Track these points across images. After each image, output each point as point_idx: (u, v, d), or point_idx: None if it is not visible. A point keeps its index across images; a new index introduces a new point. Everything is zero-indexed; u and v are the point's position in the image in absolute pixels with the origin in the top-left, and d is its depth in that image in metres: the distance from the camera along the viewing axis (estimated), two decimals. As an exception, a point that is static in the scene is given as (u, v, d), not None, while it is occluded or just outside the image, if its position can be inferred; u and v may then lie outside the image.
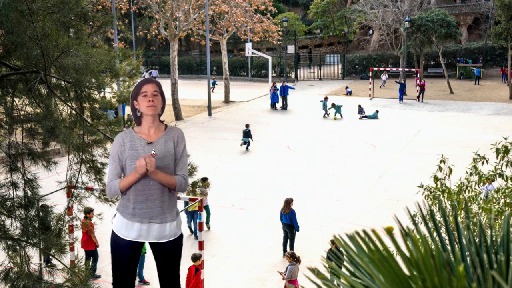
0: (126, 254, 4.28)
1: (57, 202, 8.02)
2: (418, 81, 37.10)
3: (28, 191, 5.96)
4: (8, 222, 5.79)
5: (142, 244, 4.31)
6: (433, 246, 1.60)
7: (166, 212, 4.20)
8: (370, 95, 37.46)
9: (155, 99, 4.10)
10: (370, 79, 37.70)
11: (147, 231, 4.17)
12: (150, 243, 4.30)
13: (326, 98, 31.34)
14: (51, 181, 7.07)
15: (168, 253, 4.32)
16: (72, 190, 6.85)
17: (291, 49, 47.68)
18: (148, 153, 4.08)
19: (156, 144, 4.15)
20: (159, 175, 4.03)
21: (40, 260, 6.75)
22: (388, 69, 42.26)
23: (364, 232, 1.62)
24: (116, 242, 4.25)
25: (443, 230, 1.99)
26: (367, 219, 14.93)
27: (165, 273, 4.43)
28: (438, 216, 5.57)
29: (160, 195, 4.14)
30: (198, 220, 11.37)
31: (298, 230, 13.00)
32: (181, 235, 4.36)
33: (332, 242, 11.13)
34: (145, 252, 11.86)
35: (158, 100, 4.12)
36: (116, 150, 4.13)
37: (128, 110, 27.35)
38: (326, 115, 30.82)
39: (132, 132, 4.19)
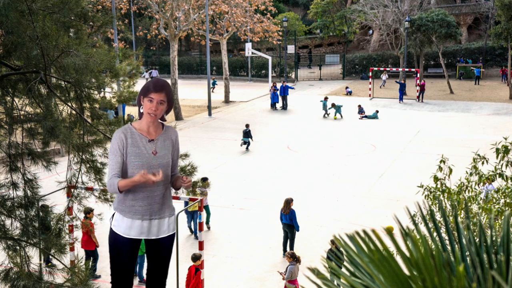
0: (127, 253, 4.29)
1: (57, 202, 8.02)
2: (418, 81, 37.09)
3: (28, 191, 5.96)
4: (8, 222, 5.79)
5: (140, 241, 4.33)
6: (433, 246, 1.60)
7: (165, 208, 4.27)
8: (370, 95, 37.46)
9: (159, 107, 4.12)
10: (370, 79, 37.70)
11: (147, 227, 4.21)
12: (145, 239, 4.32)
13: (326, 98, 31.35)
14: (51, 181, 7.07)
15: (162, 249, 4.36)
16: (72, 190, 6.85)
17: (291, 49, 47.67)
18: (148, 150, 4.15)
19: (157, 142, 4.21)
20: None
21: (40, 260, 6.76)
22: (388, 69, 42.26)
23: (364, 232, 1.62)
24: (116, 241, 4.25)
25: (443, 230, 1.99)
26: (367, 219, 14.93)
27: (157, 269, 4.46)
28: (438, 216, 5.57)
29: (160, 192, 4.20)
30: (198, 220, 11.37)
31: (298, 230, 13.00)
32: (174, 231, 4.45)
33: (332, 242, 11.12)
34: (145, 252, 11.86)
35: (161, 109, 4.15)
36: (117, 144, 4.13)
37: (128, 110, 27.35)
38: (326, 115, 30.82)
39: (132, 128, 4.21)
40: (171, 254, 4.48)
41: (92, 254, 11.92)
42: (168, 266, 4.51)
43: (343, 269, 1.68)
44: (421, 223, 2.04)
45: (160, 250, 4.35)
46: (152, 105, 4.09)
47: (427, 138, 24.95)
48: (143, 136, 4.18)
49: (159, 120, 4.29)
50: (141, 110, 4.20)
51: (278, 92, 33.27)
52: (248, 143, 23.12)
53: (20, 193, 5.97)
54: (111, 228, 4.26)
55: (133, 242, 4.25)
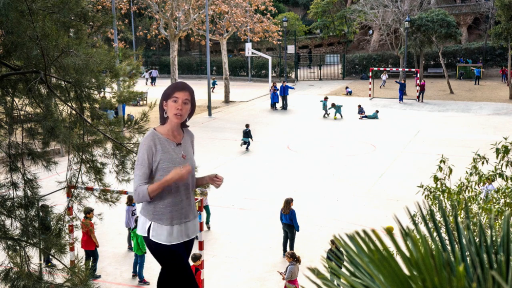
0: (178, 256, 4.32)
1: (57, 202, 8.01)
2: (418, 81, 37.10)
3: (28, 191, 5.96)
4: (8, 222, 5.79)
5: (191, 241, 4.47)
6: (433, 246, 1.60)
7: (193, 209, 4.37)
8: (370, 95, 37.46)
9: (184, 107, 4.13)
10: (370, 79, 37.70)
11: (184, 230, 4.27)
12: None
13: (326, 98, 31.35)
14: (51, 181, 7.07)
15: (189, 249, 4.51)
16: (72, 190, 6.85)
17: (291, 49, 47.68)
18: (178, 154, 4.19)
19: (183, 146, 4.27)
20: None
21: (40, 260, 6.75)
22: (388, 69, 42.26)
23: (364, 232, 1.62)
24: (163, 250, 4.23)
25: (443, 230, 1.99)
26: (367, 219, 14.93)
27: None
28: (438, 216, 5.57)
29: (189, 194, 4.29)
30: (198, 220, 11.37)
31: (298, 230, 13.00)
32: None
33: (332, 242, 11.12)
34: (145, 252, 11.87)
35: (186, 109, 4.17)
36: (146, 155, 4.11)
37: (128, 110, 27.34)
38: (326, 115, 30.82)
39: (158, 134, 4.19)
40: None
41: (92, 254, 11.92)
42: None
43: (343, 269, 1.68)
44: (421, 223, 2.04)
45: (188, 250, 4.48)
46: (178, 104, 4.09)
47: (427, 138, 24.95)
48: (170, 140, 4.19)
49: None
50: (165, 115, 4.19)
51: (278, 92, 33.27)
52: (248, 143, 23.12)
53: (20, 193, 5.97)
54: (151, 240, 4.20)
55: (180, 244, 4.30)
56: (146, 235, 4.21)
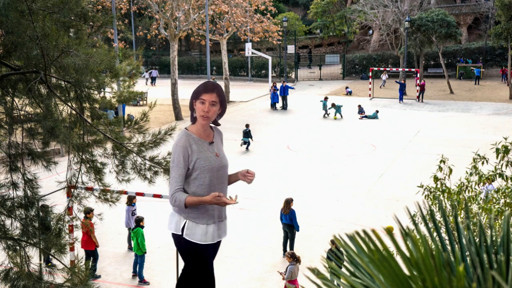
0: (206, 258, 4.31)
1: (57, 202, 8.01)
2: (418, 81, 37.10)
3: (28, 191, 5.96)
4: (8, 222, 5.79)
5: (217, 243, 4.41)
6: (433, 246, 1.60)
7: (225, 210, 4.38)
8: (370, 95, 37.46)
9: (211, 109, 4.12)
10: (370, 79, 37.70)
11: (219, 229, 4.28)
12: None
13: (326, 98, 31.35)
14: (51, 181, 7.07)
15: (216, 251, 4.51)
16: (72, 190, 6.85)
17: (291, 49, 47.68)
18: (212, 152, 4.20)
19: (215, 144, 4.28)
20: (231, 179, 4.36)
21: (40, 260, 6.76)
22: (388, 69, 42.27)
23: (364, 232, 1.62)
24: (194, 249, 4.23)
25: (443, 230, 1.99)
26: (367, 219, 14.93)
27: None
28: (438, 216, 5.57)
29: (225, 193, 4.29)
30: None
31: (298, 230, 13.00)
32: None
33: (332, 242, 11.12)
34: (145, 252, 11.87)
35: (214, 111, 4.15)
36: (182, 156, 4.10)
37: (128, 110, 27.34)
38: (326, 115, 30.82)
39: (191, 134, 4.20)
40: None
41: (92, 254, 11.92)
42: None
43: (343, 269, 1.68)
44: (421, 223, 2.04)
45: (215, 252, 4.47)
46: (204, 106, 4.09)
47: (427, 138, 24.95)
48: (203, 140, 4.20)
49: (212, 125, 4.34)
50: (194, 115, 4.20)
51: (278, 92, 33.27)
52: (248, 143, 23.12)
53: (20, 193, 5.97)
54: (183, 238, 4.19)
55: (210, 246, 4.29)
56: (179, 233, 4.20)
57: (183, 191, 4.10)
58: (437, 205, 6.61)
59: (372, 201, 16.57)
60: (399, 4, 44.45)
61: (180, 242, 4.23)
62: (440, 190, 6.94)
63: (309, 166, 20.69)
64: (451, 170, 7.08)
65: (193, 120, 4.24)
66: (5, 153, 5.98)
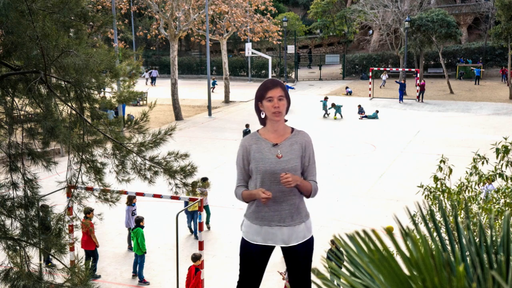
0: (255, 258, 4.26)
1: (57, 202, 8.02)
2: (418, 81, 37.10)
3: (28, 191, 5.96)
4: (8, 222, 5.79)
5: (272, 248, 4.27)
6: (433, 246, 1.60)
7: (294, 215, 4.19)
8: (370, 95, 37.46)
9: (280, 104, 4.10)
10: (370, 79, 37.70)
11: (276, 234, 4.17)
12: (281, 247, 4.27)
13: (326, 98, 31.35)
14: (51, 181, 7.07)
15: (298, 257, 4.25)
16: (72, 190, 6.85)
17: (291, 49, 47.68)
18: (273, 154, 4.12)
19: (282, 146, 4.16)
20: (299, 183, 4.09)
21: (40, 260, 6.76)
22: (388, 69, 42.27)
23: (364, 232, 1.62)
24: (245, 247, 4.26)
25: (443, 230, 1.99)
26: (367, 219, 14.92)
27: (296, 276, 4.33)
28: (438, 216, 5.57)
29: (289, 199, 4.17)
30: (198, 220, 11.37)
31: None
32: (311, 238, 4.32)
33: (332, 242, 11.12)
34: (145, 252, 11.87)
35: (283, 105, 4.13)
36: (241, 155, 4.20)
37: (128, 110, 27.34)
38: (326, 115, 30.82)
39: (257, 134, 4.24)
40: (310, 262, 4.33)
41: (92, 254, 11.92)
42: (309, 273, 4.33)
43: (343, 269, 1.68)
44: (421, 223, 2.04)
45: (296, 258, 4.25)
46: (274, 103, 4.08)
47: (427, 138, 24.95)
48: (268, 141, 4.18)
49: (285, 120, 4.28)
50: (262, 116, 4.19)
51: (278, 92, 33.24)
52: (248, 143, 23.11)
53: (20, 193, 5.96)
54: (242, 236, 4.32)
55: (262, 248, 4.21)
56: (241, 230, 4.36)
57: (245, 187, 4.24)
58: (437, 205, 6.61)
59: (372, 201, 16.56)
60: (399, 4, 44.45)
61: (241, 239, 4.35)
62: (440, 190, 6.94)
63: (309, 166, 20.66)
64: (451, 170, 7.08)
65: (262, 122, 4.25)
66: (5, 153, 5.98)
